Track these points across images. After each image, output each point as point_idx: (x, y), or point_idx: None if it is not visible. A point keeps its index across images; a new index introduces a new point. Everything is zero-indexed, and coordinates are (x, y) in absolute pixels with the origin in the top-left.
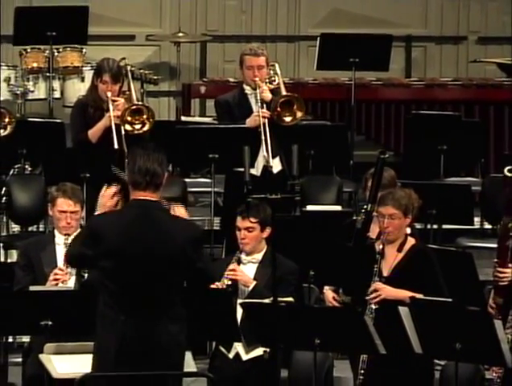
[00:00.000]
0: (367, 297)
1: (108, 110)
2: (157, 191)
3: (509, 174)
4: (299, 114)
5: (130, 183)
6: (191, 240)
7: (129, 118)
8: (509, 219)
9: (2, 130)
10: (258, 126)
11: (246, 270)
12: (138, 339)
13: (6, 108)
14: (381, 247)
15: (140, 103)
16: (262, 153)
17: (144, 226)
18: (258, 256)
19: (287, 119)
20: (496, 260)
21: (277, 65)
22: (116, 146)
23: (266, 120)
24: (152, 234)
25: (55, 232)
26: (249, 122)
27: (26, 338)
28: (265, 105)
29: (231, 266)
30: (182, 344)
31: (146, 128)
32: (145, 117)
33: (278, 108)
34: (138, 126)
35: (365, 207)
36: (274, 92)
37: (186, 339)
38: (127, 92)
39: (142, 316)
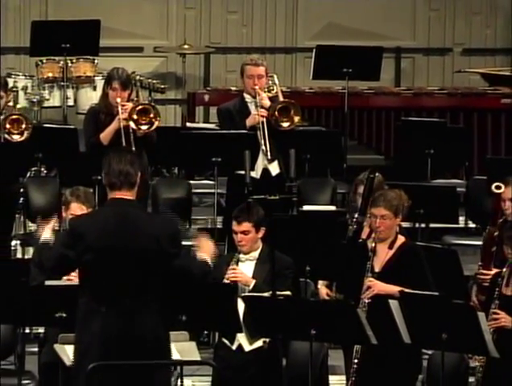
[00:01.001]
0: (362, 296)
1: (118, 115)
2: (132, 190)
3: (496, 191)
4: (295, 119)
5: (107, 185)
6: (166, 235)
7: (135, 117)
8: (494, 229)
9: (19, 136)
10: (257, 124)
11: (245, 267)
12: (118, 330)
13: (23, 115)
14: (373, 245)
15: (146, 102)
16: (261, 147)
17: (120, 222)
18: (255, 254)
19: (285, 124)
20: (480, 263)
21: (275, 76)
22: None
23: (264, 119)
24: (128, 229)
25: None
26: (249, 121)
27: (41, 329)
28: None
29: (231, 267)
30: (161, 336)
31: (153, 127)
32: (151, 116)
33: (277, 114)
34: (144, 127)
35: (356, 217)
36: (273, 100)
37: (166, 332)
38: (135, 99)
39: (122, 308)
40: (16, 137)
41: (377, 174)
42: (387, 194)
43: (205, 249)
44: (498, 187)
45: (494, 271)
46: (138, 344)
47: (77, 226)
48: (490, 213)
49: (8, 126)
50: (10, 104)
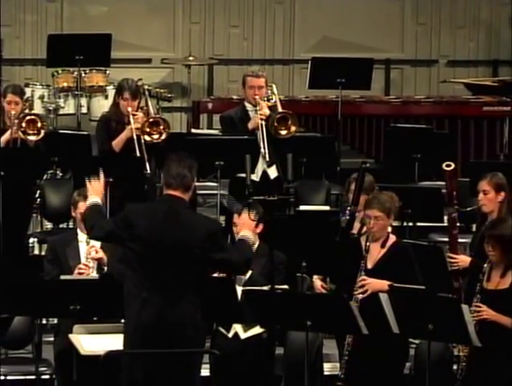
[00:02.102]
0: (355, 293)
1: (129, 123)
2: (186, 192)
3: (446, 169)
4: (293, 128)
5: (164, 183)
6: (209, 233)
7: (148, 129)
8: (452, 210)
9: (35, 136)
10: (257, 129)
11: None
12: (155, 317)
13: (38, 115)
14: (368, 244)
15: (157, 116)
16: (260, 150)
17: (170, 218)
18: (252, 249)
19: (283, 132)
20: (448, 247)
21: (274, 86)
22: (138, 154)
23: (264, 122)
24: (176, 226)
25: (78, 230)
26: (251, 124)
27: (57, 321)
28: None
29: None
30: (197, 325)
31: (163, 137)
32: (161, 127)
33: (275, 124)
34: (156, 136)
35: (349, 208)
36: (272, 108)
37: (200, 321)
38: (145, 108)
39: (162, 296)
40: (32, 138)
41: (368, 163)
42: (380, 196)
43: (247, 226)
44: (448, 166)
45: (461, 256)
46: (173, 331)
47: (131, 213)
48: (446, 195)
49: (24, 125)
50: (26, 111)
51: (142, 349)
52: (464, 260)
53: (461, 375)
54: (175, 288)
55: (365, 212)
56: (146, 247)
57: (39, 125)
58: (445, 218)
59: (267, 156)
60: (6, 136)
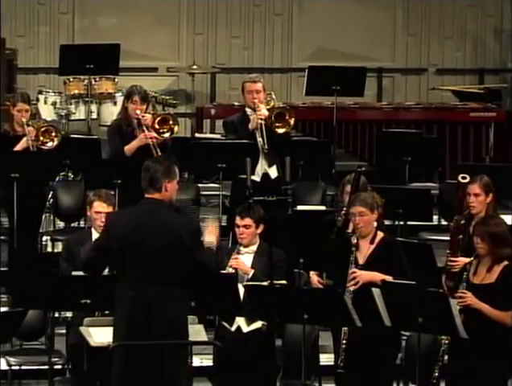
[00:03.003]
0: (347, 285)
1: (139, 125)
2: (161, 193)
3: (462, 181)
4: (291, 122)
5: (143, 187)
6: (187, 230)
7: (157, 126)
8: (460, 218)
9: (51, 142)
10: (256, 129)
11: (244, 259)
12: (143, 312)
13: (53, 125)
14: (355, 241)
15: (165, 112)
16: (260, 144)
17: (148, 218)
18: (254, 248)
19: (281, 130)
20: (448, 251)
21: (273, 93)
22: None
23: (263, 122)
24: (154, 224)
25: (92, 229)
26: (251, 125)
27: (69, 314)
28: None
29: (233, 257)
30: (181, 320)
31: (174, 133)
32: (171, 123)
33: (273, 118)
34: (167, 134)
35: (344, 209)
36: (270, 110)
37: (185, 316)
38: (153, 112)
39: (147, 294)
40: (49, 145)
41: (363, 168)
42: (361, 194)
43: (211, 231)
44: (464, 178)
45: (461, 259)
46: (160, 326)
47: (111, 218)
48: (456, 203)
49: (41, 138)
50: (41, 122)
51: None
52: (464, 261)
53: (442, 361)
54: (160, 285)
55: (350, 211)
56: (126, 246)
57: (54, 133)
58: (451, 224)
59: (266, 146)
60: (23, 144)
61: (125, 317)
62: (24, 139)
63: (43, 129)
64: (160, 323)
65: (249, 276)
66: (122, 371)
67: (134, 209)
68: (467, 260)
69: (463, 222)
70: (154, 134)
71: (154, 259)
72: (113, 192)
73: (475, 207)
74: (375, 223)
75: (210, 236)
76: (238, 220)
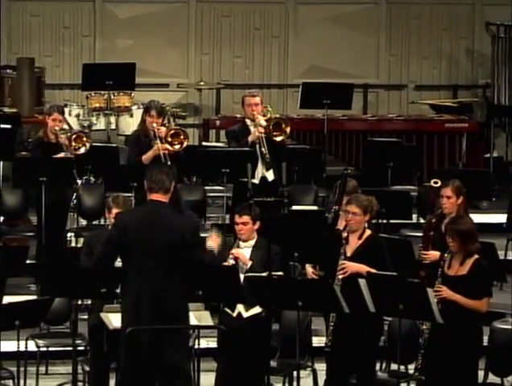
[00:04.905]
0: (337, 273)
1: (155, 137)
2: (166, 195)
3: (434, 185)
4: (287, 130)
5: (147, 188)
6: (188, 228)
7: (170, 139)
8: (431, 217)
9: (83, 148)
10: (256, 140)
11: (243, 252)
12: (148, 302)
13: (83, 131)
14: (345, 235)
15: (178, 127)
16: (263, 153)
17: (152, 217)
18: (252, 243)
19: (279, 138)
20: (420, 245)
21: (269, 106)
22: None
23: (263, 134)
24: (158, 223)
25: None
26: (251, 137)
27: (90, 301)
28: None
29: (233, 250)
30: (180, 309)
31: (184, 146)
32: (182, 137)
33: (271, 128)
34: (177, 146)
35: (334, 207)
36: (267, 121)
37: (185, 305)
38: (167, 124)
39: (152, 284)
40: (82, 150)
41: (350, 170)
42: (360, 196)
43: (213, 240)
44: (436, 182)
45: (432, 252)
46: (163, 313)
47: (119, 217)
48: (429, 204)
49: (74, 144)
50: (65, 126)
51: (141, 325)
52: (434, 255)
53: (424, 344)
54: (162, 277)
55: (345, 208)
56: (132, 242)
57: (85, 139)
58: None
59: (267, 156)
60: (62, 155)
61: (132, 304)
62: (62, 154)
63: (74, 136)
64: (163, 311)
65: (248, 267)
66: (131, 353)
67: (141, 209)
68: (437, 253)
69: (434, 220)
70: (167, 146)
71: (158, 254)
72: (130, 194)
73: (447, 207)
74: (366, 224)
75: (212, 242)
76: (237, 218)
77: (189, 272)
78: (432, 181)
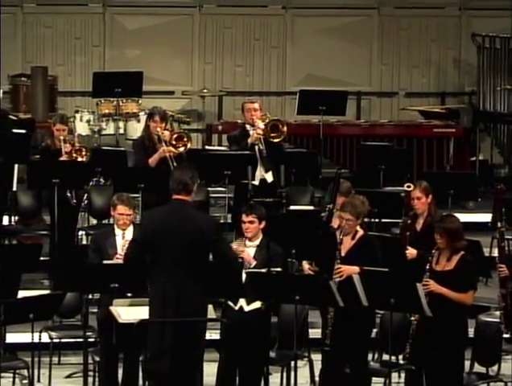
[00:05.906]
0: (333, 277)
1: (159, 140)
2: (189, 195)
3: (408, 189)
4: (284, 130)
5: (171, 189)
6: (209, 225)
7: (174, 142)
8: (407, 218)
9: (182, 148)
10: (255, 142)
11: (248, 251)
12: (173, 294)
13: (84, 146)
14: (341, 237)
15: (181, 130)
16: (263, 151)
17: (176, 216)
18: (257, 242)
19: (276, 140)
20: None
21: (268, 114)
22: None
23: (261, 137)
24: (180, 221)
25: (115, 226)
26: (250, 139)
27: (99, 295)
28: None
29: (240, 248)
30: (203, 300)
31: (187, 148)
32: (185, 140)
33: (269, 129)
34: (181, 148)
35: (328, 206)
36: (266, 125)
37: (206, 298)
38: (170, 129)
39: (175, 279)
40: (79, 159)
41: (342, 170)
42: (354, 202)
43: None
44: (409, 186)
45: (410, 250)
46: (185, 306)
47: (144, 216)
48: (405, 207)
49: (74, 155)
50: (76, 144)
51: (164, 318)
52: (411, 253)
53: (413, 335)
54: (185, 272)
55: (340, 213)
56: (156, 239)
57: (84, 152)
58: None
59: (264, 151)
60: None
61: (158, 297)
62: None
63: (76, 148)
64: (187, 302)
65: (252, 266)
66: (157, 341)
67: (165, 208)
68: (414, 251)
69: (409, 221)
70: (172, 148)
71: (181, 249)
72: (137, 194)
73: (419, 208)
74: (358, 227)
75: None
76: (244, 217)
77: (208, 266)
78: (406, 185)
